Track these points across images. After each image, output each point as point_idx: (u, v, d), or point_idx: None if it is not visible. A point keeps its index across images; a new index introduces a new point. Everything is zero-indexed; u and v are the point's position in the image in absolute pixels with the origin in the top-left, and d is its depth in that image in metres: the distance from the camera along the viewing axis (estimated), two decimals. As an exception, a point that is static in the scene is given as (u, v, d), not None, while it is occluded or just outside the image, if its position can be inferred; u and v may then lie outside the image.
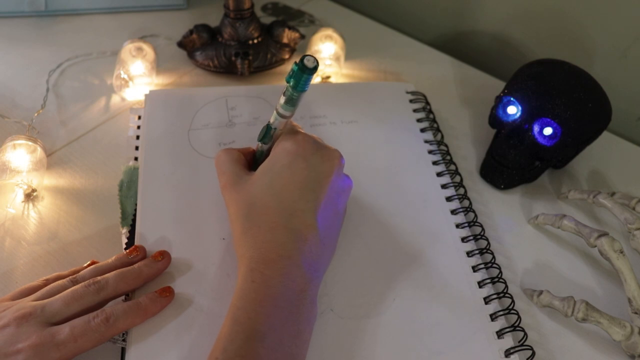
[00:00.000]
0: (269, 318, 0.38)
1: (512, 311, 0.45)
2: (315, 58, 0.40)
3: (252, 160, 0.48)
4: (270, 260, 0.40)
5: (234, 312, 0.38)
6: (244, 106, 0.59)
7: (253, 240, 0.41)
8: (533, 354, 0.43)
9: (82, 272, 0.44)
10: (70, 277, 0.43)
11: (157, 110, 0.58)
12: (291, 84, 0.41)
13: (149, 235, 0.47)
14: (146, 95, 0.59)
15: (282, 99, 0.43)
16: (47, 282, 0.43)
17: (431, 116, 0.61)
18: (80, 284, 0.41)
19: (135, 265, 0.44)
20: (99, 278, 0.42)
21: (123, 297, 0.44)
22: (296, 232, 0.41)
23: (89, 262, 0.46)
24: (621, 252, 0.46)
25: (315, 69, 0.40)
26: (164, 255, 0.45)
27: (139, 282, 0.43)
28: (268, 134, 0.45)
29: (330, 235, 0.44)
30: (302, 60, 0.40)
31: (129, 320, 0.40)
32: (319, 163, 0.44)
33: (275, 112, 0.44)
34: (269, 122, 0.45)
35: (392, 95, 0.63)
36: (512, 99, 0.56)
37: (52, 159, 0.58)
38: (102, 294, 0.41)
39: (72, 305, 0.40)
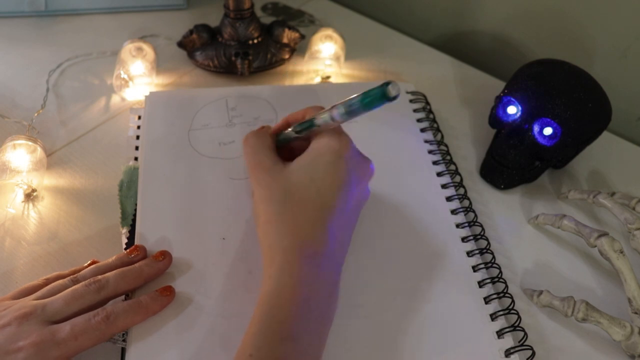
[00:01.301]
0: (303, 320, 0.37)
1: (512, 311, 0.45)
2: (399, 88, 0.38)
3: (275, 144, 0.47)
4: (309, 256, 0.39)
5: (269, 310, 0.37)
6: (244, 106, 0.59)
7: (287, 228, 0.41)
8: (533, 354, 0.43)
9: (82, 272, 0.44)
10: (71, 276, 0.43)
11: (157, 110, 0.58)
12: (365, 101, 0.40)
13: (149, 235, 0.47)
14: (146, 97, 0.59)
15: (342, 109, 0.41)
16: (47, 282, 0.43)
17: (431, 116, 0.61)
18: (80, 283, 0.41)
19: (136, 265, 0.44)
20: (99, 277, 0.42)
21: (123, 297, 0.44)
22: (332, 232, 0.41)
23: (89, 262, 0.46)
24: (621, 252, 0.46)
25: (395, 98, 0.38)
26: (165, 255, 0.45)
27: (140, 282, 0.43)
28: (307, 130, 0.45)
29: (349, 239, 0.44)
30: (386, 85, 0.38)
31: (129, 318, 0.40)
32: (357, 168, 0.44)
33: (327, 113, 0.43)
34: (314, 118, 0.44)
35: (392, 95, 0.63)
36: (512, 99, 0.56)
37: (52, 159, 0.58)
38: (103, 293, 0.41)
39: (72, 304, 0.40)
